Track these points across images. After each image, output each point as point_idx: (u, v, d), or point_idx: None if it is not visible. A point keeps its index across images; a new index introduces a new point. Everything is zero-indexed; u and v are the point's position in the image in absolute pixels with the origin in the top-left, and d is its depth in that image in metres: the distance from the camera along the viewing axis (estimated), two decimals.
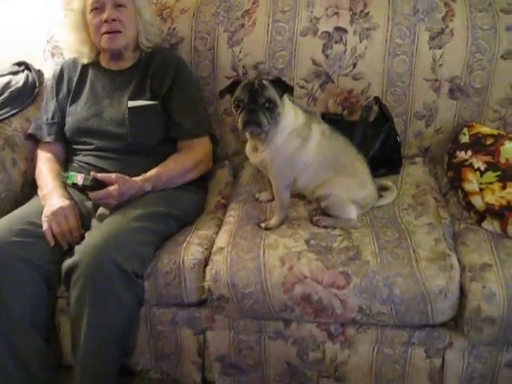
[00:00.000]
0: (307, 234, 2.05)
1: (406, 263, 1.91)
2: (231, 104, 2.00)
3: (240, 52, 2.44)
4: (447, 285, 1.85)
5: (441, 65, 2.33)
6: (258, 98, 1.89)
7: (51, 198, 2.15)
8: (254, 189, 2.35)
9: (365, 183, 2.15)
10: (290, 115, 2.04)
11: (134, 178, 2.16)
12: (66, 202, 2.12)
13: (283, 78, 2.09)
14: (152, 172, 2.18)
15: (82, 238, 2.00)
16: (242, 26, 2.43)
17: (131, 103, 2.24)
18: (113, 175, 2.11)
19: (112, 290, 1.93)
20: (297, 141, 2.05)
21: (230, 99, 2.01)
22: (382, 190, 2.21)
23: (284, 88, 1.95)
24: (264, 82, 1.93)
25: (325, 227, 2.07)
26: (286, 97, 2.02)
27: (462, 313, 1.86)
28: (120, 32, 2.22)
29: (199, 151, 2.33)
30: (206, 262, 2.01)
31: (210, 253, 2.05)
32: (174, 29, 2.51)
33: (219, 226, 2.23)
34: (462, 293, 1.85)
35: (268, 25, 2.41)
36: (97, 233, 2.03)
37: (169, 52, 2.44)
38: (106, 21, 2.18)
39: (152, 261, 2.02)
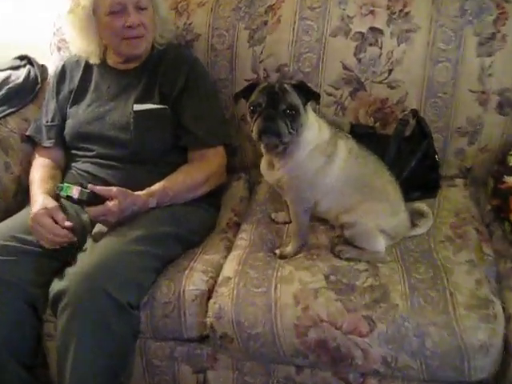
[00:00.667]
0: (327, 268, 1.81)
1: (442, 310, 1.65)
2: (247, 109, 1.75)
3: (262, 52, 2.24)
4: (489, 339, 1.59)
5: (490, 75, 2.10)
6: (278, 103, 1.65)
7: (32, 207, 1.94)
8: (271, 208, 2.14)
9: (397, 210, 1.89)
10: (314, 128, 1.80)
11: (137, 193, 1.93)
12: (37, 208, 1.89)
13: (308, 84, 1.83)
14: (158, 186, 1.96)
15: (74, 232, 1.86)
16: (265, 23, 2.24)
17: (137, 106, 2.04)
18: (113, 189, 1.87)
19: (102, 321, 1.70)
20: (320, 159, 1.80)
21: (246, 104, 1.77)
22: (416, 216, 1.98)
23: (309, 95, 1.72)
24: (286, 85, 1.70)
25: (348, 260, 1.84)
26: (309, 106, 1.78)
27: (505, 371, 1.63)
28: (142, 36, 2.04)
29: (213, 163, 2.10)
30: (209, 293, 1.81)
31: (215, 282, 1.85)
32: (190, 24, 2.32)
33: (228, 250, 2.01)
34: (507, 348, 1.62)
35: (294, 23, 2.21)
36: (89, 256, 1.81)
37: (182, 50, 2.24)
38: (129, 26, 1.98)
39: (150, 287, 1.81)
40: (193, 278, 1.83)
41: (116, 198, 1.87)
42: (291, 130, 1.68)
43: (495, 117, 2.14)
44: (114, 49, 2.09)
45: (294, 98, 1.70)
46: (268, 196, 2.22)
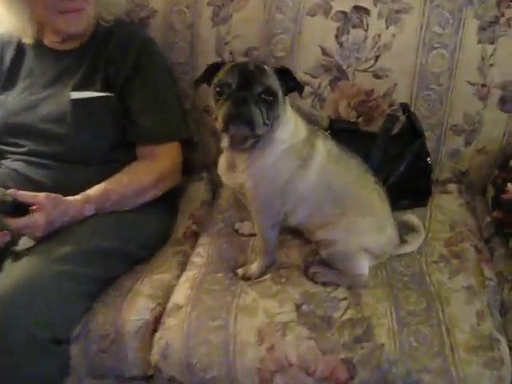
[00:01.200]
0: (298, 294, 1.54)
1: (437, 352, 1.38)
2: (211, 92, 1.44)
3: (227, 33, 1.99)
4: None
5: (491, 65, 1.88)
6: (252, 84, 1.36)
7: None
8: (235, 216, 1.87)
9: (383, 225, 1.61)
10: (290, 124, 1.52)
11: (71, 198, 1.63)
12: None
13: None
14: (97, 189, 1.67)
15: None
16: None
17: (75, 94, 1.75)
18: (40, 196, 1.55)
19: (18, 363, 1.40)
20: (293, 162, 1.51)
21: (210, 88, 1.47)
22: (404, 229, 1.72)
23: (292, 84, 1.46)
24: (265, 66, 1.44)
25: (324, 284, 1.58)
26: (287, 99, 1.50)
27: None
28: (83, 10, 1.73)
29: (165, 161, 1.82)
30: (155, 324, 1.54)
31: (164, 309, 1.56)
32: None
33: (183, 267, 1.73)
34: None
35: None
36: (5, 279, 1.48)
37: (133, 28, 1.96)
38: None
39: (83, 316, 1.53)
40: (136, 305, 1.56)
41: (43, 208, 1.55)
42: (266, 121, 1.39)
43: (496, 114, 1.93)
44: (50, 26, 1.78)
45: (273, 81, 1.41)
46: (233, 201, 1.94)
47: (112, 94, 1.77)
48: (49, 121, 1.75)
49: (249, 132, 1.39)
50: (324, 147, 1.56)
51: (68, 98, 1.74)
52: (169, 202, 1.92)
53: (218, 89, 1.40)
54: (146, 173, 1.77)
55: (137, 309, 1.55)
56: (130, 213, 1.74)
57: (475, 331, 1.43)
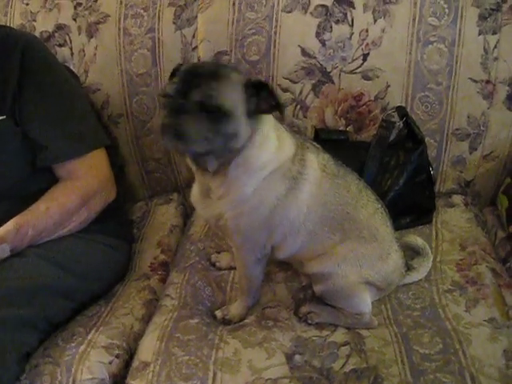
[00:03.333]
0: (289, 341, 1.33)
1: None
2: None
3: (193, 36, 1.83)
4: None
5: (495, 58, 1.73)
6: (192, 91, 1.13)
7: None
8: (211, 245, 1.66)
9: (387, 252, 1.39)
10: (269, 147, 1.27)
11: None
12: None
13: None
14: (8, 225, 1.42)
15: None
16: None
17: None
18: None
19: None
20: (281, 186, 1.28)
21: None
22: (408, 253, 1.51)
23: (270, 102, 1.20)
24: (224, 70, 1.20)
25: (319, 326, 1.36)
26: (269, 118, 1.26)
27: None
28: None
29: (88, 177, 1.55)
30: (115, 383, 1.32)
31: (127, 365, 1.34)
32: (96, 1, 1.86)
33: (149, 307, 1.52)
34: None
35: None
36: None
37: (8, 31, 1.61)
38: None
39: (20, 376, 1.30)
40: (89, 360, 1.32)
41: None
42: (210, 136, 1.14)
43: (503, 113, 1.79)
44: None
45: (225, 92, 1.16)
46: (208, 228, 1.73)
47: (3, 117, 1.49)
48: None
49: (183, 147, 1.18)
50: (317, 162, 1.34)
51: None
52: (122, 227, 1.72)
53: (161, 98, 1.20)
54: (67, 194, 1.52)
55: (90, 365, 1.31)
56: (73, 240, 1.53)
57: (505, 377, 1.22)
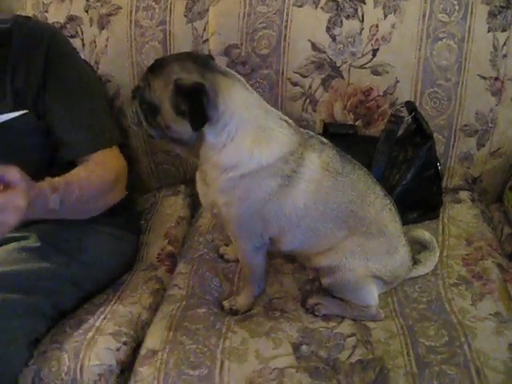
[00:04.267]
0: (296, 332, 1.33)
1: None
2: None
3: (204, 29, 1.82)
4: None
5: (505, 55, 1.72)
6: (141, 81, 1.27)
7: None
8: (219, 237, 1.65)
9: (395, 247, 1.38)
10: (238, 150, 1.24)
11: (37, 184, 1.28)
12: None
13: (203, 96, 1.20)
14: (60, 179, 1.33)
15: None
16: None
17: None
18: (13, 170, 1.15)
19: None
20: (270, 183, 1.26)
21: None
22: (415, 247, 1.50)
23: (188, 109, 1.19)
24: (165, 67, 1.22)
25: (326, 318, 1.36)
26: (240, 121, 1.23)
27: None
28: None
29: (113, 163, 1.52)
30: (122, 369, 1.32)
31: (134, 353, 1.34)
32: None
33: (157, 296, 1.52)
34: None
35: None
36: None
37: (34, 24, 1.57)
38: None
39: (28, 361, 1.31)
40: (96, 347, 1.33)
41: (18, 184, 1.13)
42: (146, 122, 1.27)
43: (511, 111, 1.77)
44: None
45: (156, 87, 1.22)
46: (216, 220, 1.70)
47: (26, 111, 1.46)
48: None
49: (136, 128, 1.33)
50: (318, 161, 1.31)
51: None
52: (128, 218, 1.69)
53: None
54: (102, 170, 1.47)
55: (97, 352, 1.32)
56: (77, 230, 1.50)
57: (510, 370, 1.21)
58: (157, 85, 1.21)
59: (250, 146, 1.23)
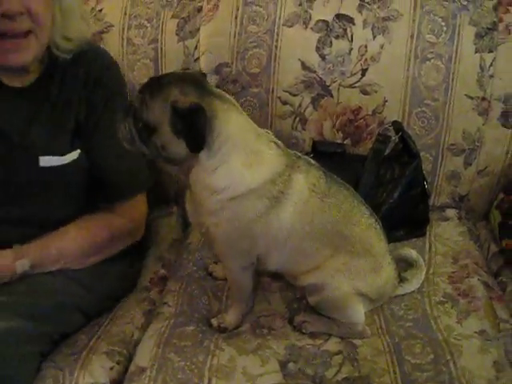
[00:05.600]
0: (283, 349, 1.34)
1: None
2: None
3: (196, 48, 1.83)
4: None
5: (491, 76, 1.75)
6: (136, 100, 1.23)
7: None
8: (208, 255, 1.65)
9: (380, 265, 1.39)
10: (229, 174, 1.24)
11: None
12: None
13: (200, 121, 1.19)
14: (33, 242, 1.39)
15: None
16: (199, 10, 1.83)
17: (45, 160, 1.38)
18: None
19: None
20: (258, 205, 1.26)
21: None
22: (402, 265, 1.52)
23: (186, 131, 1.18)
24: (164, 88, 1.20)
25: (313, 336, 1.36)
26: (232, 143, 1.23)
27: None
28: (30, 34, 1.29)
29: (126, 216, 1.51)
30: None
31: (126, 371, 1.34)
32: (100, 11, 1.85)
33: (148, 316, 1.51)
34: None
35: (237, 9, 1.79)
36: None
37: (94, 51, 1.51)
38: (3, 14, 1.24)
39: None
40: (91, 365, 1.33)
41: None
42: (140, 141, 1.23)
43: (498, 130, 1.80)
44: None
45: (153, 107, 1.19)
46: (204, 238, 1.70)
47: (79, 151, 1.43)
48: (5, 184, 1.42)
49: (128, 146, 1.27)
50: (305, 182, 1.31)
51: (32, 162, 1.39)
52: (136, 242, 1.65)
53: None
54: (100, 228, 1.48)
55: (91, 370, 1.32)
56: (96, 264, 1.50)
57: None
58: (154, 105, 1.18)
59: (241, 169, 1.23)
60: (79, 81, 1.42)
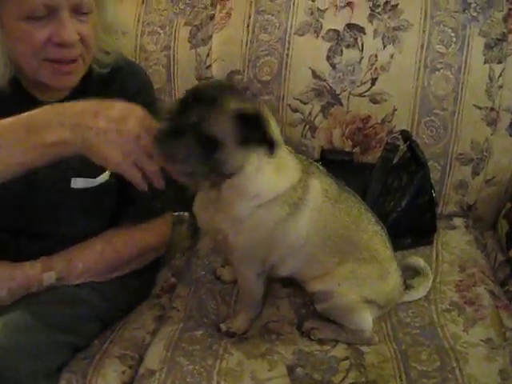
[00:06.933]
0: (291, 354, 1.34)
1: None
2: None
3: (208, 55, 1.84)
4: None
5: (500, 86, 1.74)
6: (187, 115, 1.11)
7: None
8: (216, 260, 1.66)
9: (387, 271, 1.40)
10: (265, 178, 1.24)
11: (26, 263, 1.37)
12: None
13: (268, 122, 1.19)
14: (60, 254, 1.39)
15: None
16: (212, 17, 1.84)
17: (78, 182, 1.39)
18: None
19: None
20: (280, 212, 1.26)
21: None
22: (409, 273, 1.54)
23: (259, 136, 1.15)
24: (222, 98, 1.14)
25: (321, 342, 1.37)
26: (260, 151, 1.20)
27: None
28: (80, 58, 1.32)
29: (153, 233, 1.52)
30: None
31: (136, 374, 1.34)
32: None
33: (159, 321, 1.52)
34: None
35: (249, 17, 1.80)
36: None
37: (130, 68, 1.52)
38: (60, 43, 1.25)
39: None
40: (104, 369, 1.34)
41: None
42: (197, 159, 1.12)
43: (506, 140, 1.79)
44: (28, 72, 1.33)
45: (217, 120, 1.12)
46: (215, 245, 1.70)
47: (110, 172, 1.41)
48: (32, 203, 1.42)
49: (172, 166, 1.15)
50: (320, 188, 1.32)
51: (63, 183, 1.39)
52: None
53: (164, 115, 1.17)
54: (126, 244, 1.47)
55: (104, 374, 1.32)
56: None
57: None
58: (215, 117, 1.11)
59: (272, 175, 1.24)
60: (113, 97, 1.41)
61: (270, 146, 1.14)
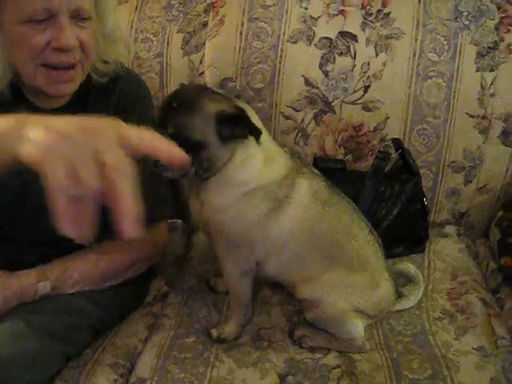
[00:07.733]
0: (283, 362, 1.34)
1: None
2: None
3: (200, 62, 1.83)
4: None
5: (492, 95, 1.74)
6: (167, 121, 1.19)
7: None
8: (210, 269, 1.66)
9: (377, 281, 1.39)
10: (251, 167, 1.28)
11: (20, 272, 1.35)
12: None
13: (247, 111, 1.26)
14: (55, 264, 1.38)
15: None
16: (205, 25, 1.83)
17: None
18: None
19: None
20: (262, 205, 1.29)
21: None
22: (401, 280, 1.53)
23: (242, 129, 1.23)
24: (198, 102, 1.21)
25: (312, 349, 1.36)
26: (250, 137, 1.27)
27: None
28: (78, 65, 1.31)
29: (146, 243, 1.50)
30: None
31: (127, 383, 1.33)
32: None
33: (151, 329, 1.51)
34: None
35: (242, 24, 1.79)
36: None
37: (130, 78, 1.52)
38: (59, 48, 1.24)
39: None
40: (96, 377, 1.32)
41: None
42: (193, 161, 1.21)
43: (498, 148, 1.79)
44: (25, 79, 1.31)
45: (196, 123, 1.20)
46: (207, 252, 1.72)
47: None
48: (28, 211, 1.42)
49: (161, 172, 1.24)
50: (308, 188, 1.34)
51: None
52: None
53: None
54: (121, 253, 1.46)
55: (95, 382, 1.31)
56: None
57: None
58: (196, 122, 1.20)
59: (261, 165, 1.28)
60: (111, 107, 1.41)
61: (254, 136, 1.22)
